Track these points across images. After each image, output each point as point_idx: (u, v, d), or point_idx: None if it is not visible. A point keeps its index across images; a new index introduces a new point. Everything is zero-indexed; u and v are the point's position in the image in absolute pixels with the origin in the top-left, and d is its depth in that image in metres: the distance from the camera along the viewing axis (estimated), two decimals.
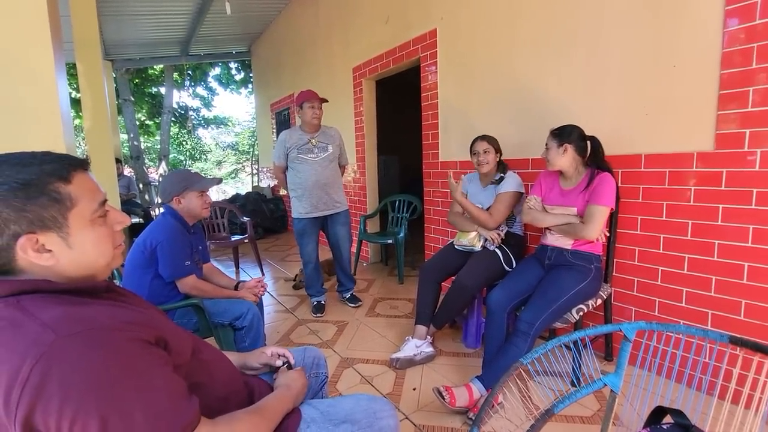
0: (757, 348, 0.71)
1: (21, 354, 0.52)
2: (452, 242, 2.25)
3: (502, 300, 1.75)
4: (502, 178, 2.14)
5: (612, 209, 1.73)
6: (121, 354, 0.56)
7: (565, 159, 1.78)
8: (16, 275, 0.60)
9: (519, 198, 2.11)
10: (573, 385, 1.79)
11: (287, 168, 2.70)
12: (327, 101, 2.65)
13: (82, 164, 0.65)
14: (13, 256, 0.58)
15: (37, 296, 0.59)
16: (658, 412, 0.79)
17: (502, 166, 2.21)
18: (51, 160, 0.61)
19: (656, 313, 1.83)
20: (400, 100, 5.69)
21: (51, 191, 0.59)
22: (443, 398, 1.56)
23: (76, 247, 0.62)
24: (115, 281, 1.80)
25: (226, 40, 6.85)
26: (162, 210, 1.80)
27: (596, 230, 1.68)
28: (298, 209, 2.69)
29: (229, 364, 0.87)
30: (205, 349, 0.82)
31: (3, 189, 0.56)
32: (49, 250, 0.60)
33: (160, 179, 9.21)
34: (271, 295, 3.24)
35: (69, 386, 0.51)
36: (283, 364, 1.02)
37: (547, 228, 1.87)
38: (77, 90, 5.99)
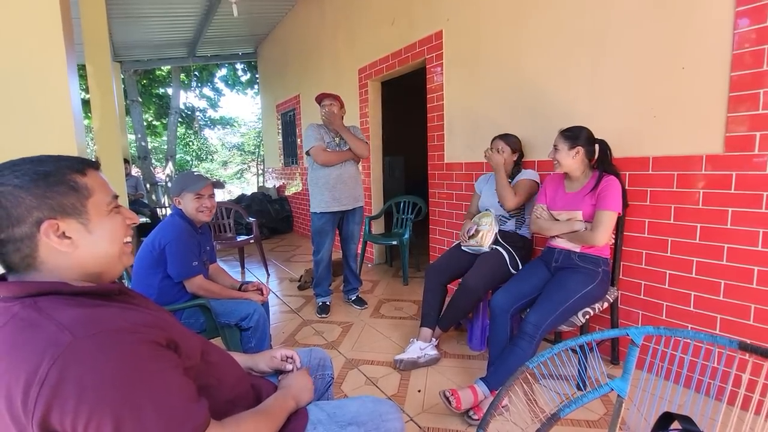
0: (766, 354, 0.70)
1: (39, 354, 0.53)
2: (459, 243, 2.24)
3: (504, 302, 1.75)
4: (513, 177, 2.20)
5: (619, 214, 1.72)
6: (135, 356, 0.57)
7: (575, 161, 1.77)
8: (35, 269, 0.62)
9: (536, 188, 2.12)
10: (579, 389, 1.78)
11: (308, 166, 2.75)
12: (339, 97, 2.70)
13: (93, 164, 0.70)
14: (36, 245, 0.61)
15: (54, 298, 0.60)
16: (666, 418, 0.78)
17: (517, 167, 2.24)
18: (66, 158, 0.66)
19: (663, 317, 1.81)
20: (406, 101, 5.70)
21: (69, 180, 0.64)
22: (450, 403, 1.56)
23: (95, 233, 0.66)
24: (124, 281, 1.82)
25: (232, 41, 6.90)
26: (171, 210, 1.82)
27: (604, 236, 1.67)
28: (320, 204, 2.69)
29: (236, 366, 0.88)
30: (214, 352, 0.82)
31: (25, 179, 0.60)
32: (69, 237, 0.63)
33: (168, 179, 9.29)
34: (277, 296, 3.25)
35: (85, 387, 0.52)
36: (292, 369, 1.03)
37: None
38: (86, 91, 6.06)
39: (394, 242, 3.51)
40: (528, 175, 2.15)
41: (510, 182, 2.17)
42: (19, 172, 0.60)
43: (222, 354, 0.87)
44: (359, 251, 3.13)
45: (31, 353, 0.53)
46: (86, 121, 8.10)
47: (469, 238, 2.15)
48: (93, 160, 0.70)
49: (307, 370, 1.01)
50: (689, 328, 1.74)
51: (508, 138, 2.22)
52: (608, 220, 1.67)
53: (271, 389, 0.93)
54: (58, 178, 0.62)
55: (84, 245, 0.65)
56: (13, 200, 0.59)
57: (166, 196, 8.46)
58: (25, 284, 0.60)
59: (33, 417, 0.51)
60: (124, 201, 4.05)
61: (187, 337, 0.72)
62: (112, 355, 0.55)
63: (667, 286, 1.80)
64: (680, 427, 0.75)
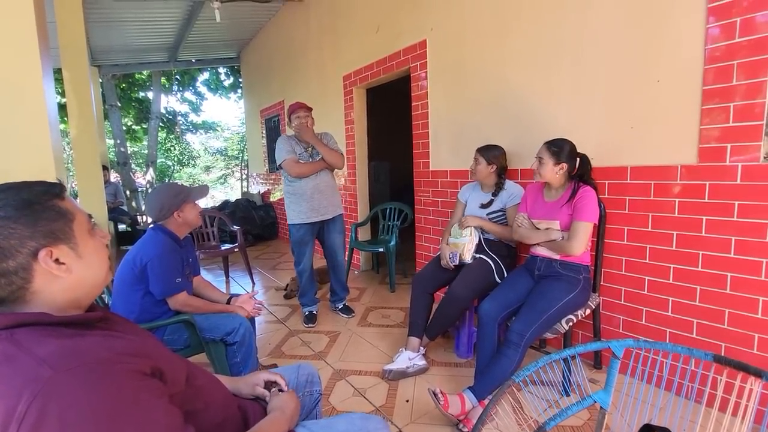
0: (739, 367, 0.73)
1: (17, 390, 0.51)
2: None
3: (492, 311, 1.77)
4: (496, 193, 2.18)
5: (595, 224, 1.76)
6: (119, 388, 0.56)
7: (558, 176, 1.80)
8: (23, 302, 0.60)
9: None
10: (563, 395, 1.81)
11: (282, 178, 2.72)
12: (312, 108, 2.68)
13: (63, 187, 0.68)
14: (31, 276, 0.59)
15: (31, 329, 0.58)
16: (646, 430, 0.80)
17: (500, 180, 2.21)
18: (36, 183, 0.64)
19: (643, 322, 1.87)
20: (392, 107, 5.72)
21: (54, 206, 0.62)
22: (437, 399, 1.57)
23: (85, 257, 0.65)
24: (104, 296, 1.77)
25: (215, 46, 6.81)
26: (151, 225, 1.76)
27: (580, 246, 1.71)
28: (298, 215, 2.66)
29: (222, 389, 0.87)
30: (199, 375, 0.81)
31: (9, 209, 0.58)
32: (63, 263, 0.62)
33: (148, 193, 9.08)
34: (263, 306, 3.20)
35: (67, 424, 0.50)
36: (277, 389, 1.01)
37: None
38: (62, 95, 5.90)
39: (381, 249, 3.51)
40: (515, 199, 2.13)
41: (500, 213, 2.17)
42: (0, 203, 0.58)
43: (207, 376, 0.85)
44: (346, 257, 3.11)
45: (8, 389, 0.51)
46: (62, 126, 7.88)
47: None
48: (57, 182, 0.68)
49: (293, 392, 0.99)
50: (668, 333, 1.79)
51: (483, 150, 2.20)
52: (584, 230, 1.71)
53: (258, 410, 0.92)
54: (42, 205, 0.61)
55: (76, 269, 0.64)
56: (3, 232, 0.57)
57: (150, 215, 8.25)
58: (2, 316, 0.58)
59: None
60: (103, 210, 3.94)
61: (172, 362, 0.71)
62: (94, 388, 0.53)
63: (646, 292, 1.85)
64: None
